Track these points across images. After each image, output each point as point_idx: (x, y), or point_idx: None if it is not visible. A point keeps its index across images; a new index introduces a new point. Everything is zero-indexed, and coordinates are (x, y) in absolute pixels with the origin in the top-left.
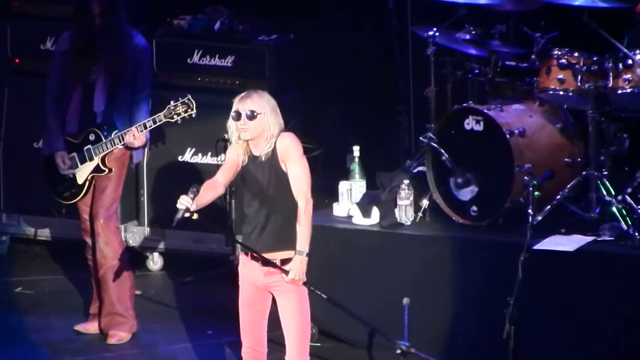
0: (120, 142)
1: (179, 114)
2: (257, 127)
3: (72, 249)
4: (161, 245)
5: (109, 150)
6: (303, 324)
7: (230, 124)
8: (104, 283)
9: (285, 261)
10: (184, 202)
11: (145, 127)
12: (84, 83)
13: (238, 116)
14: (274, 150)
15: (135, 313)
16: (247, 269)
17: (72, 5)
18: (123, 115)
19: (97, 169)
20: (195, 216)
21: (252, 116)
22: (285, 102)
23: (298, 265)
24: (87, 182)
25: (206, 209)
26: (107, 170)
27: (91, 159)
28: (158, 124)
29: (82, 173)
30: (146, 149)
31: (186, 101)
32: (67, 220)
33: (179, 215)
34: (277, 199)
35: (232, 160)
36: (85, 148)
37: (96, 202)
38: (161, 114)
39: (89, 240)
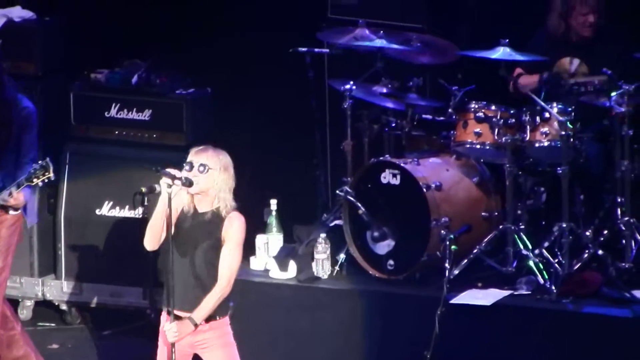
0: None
1: (38, 177)
2: (207, 182)
3: None
4: (79, 299)
5: None
6: None
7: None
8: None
9: (207, 319)
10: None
11: (11, 194)
12: None
13: (191, 167)
14: (220, 219)
15: None
16: None
17: None
18: (9, 177)
19: None
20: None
21: (203, 170)
22: None
23: (183, 327)
24: None
25: (127, 257)
26: None
27: None
28: (20, 188)
29: None
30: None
31: (43, 164)
32: None
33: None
34: (207, 261)
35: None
36: None
37: None
38: (23, 177)
39: None
